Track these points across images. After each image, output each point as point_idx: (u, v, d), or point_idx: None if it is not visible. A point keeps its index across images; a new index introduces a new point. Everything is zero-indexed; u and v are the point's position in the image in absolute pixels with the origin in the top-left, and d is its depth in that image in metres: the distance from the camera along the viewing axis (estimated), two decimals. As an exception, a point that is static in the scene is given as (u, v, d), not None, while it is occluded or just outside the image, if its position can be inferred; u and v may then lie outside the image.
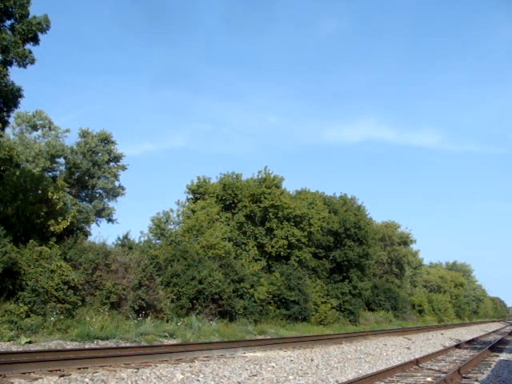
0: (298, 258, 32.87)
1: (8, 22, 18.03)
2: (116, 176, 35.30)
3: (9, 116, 19.12)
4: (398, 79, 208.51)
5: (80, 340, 14.76)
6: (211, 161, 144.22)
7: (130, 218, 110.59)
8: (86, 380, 9.09)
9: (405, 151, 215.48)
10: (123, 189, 36.03)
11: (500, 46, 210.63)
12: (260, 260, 31.11)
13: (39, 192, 19.51)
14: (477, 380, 11.78)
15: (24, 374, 9.20)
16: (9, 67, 17.82)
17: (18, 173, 19.85)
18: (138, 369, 10.71)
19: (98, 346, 14.43)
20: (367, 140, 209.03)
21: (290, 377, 11.17)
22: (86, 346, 14.10)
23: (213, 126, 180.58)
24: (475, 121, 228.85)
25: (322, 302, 34.02)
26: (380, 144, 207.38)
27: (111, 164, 35.36)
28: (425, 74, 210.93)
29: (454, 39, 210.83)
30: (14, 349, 12.55)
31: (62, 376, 9.29)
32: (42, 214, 18.78)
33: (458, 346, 22.88)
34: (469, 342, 26.91)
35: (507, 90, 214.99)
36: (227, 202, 33.12)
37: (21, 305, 15.32)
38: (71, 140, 41.10)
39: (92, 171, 33.60)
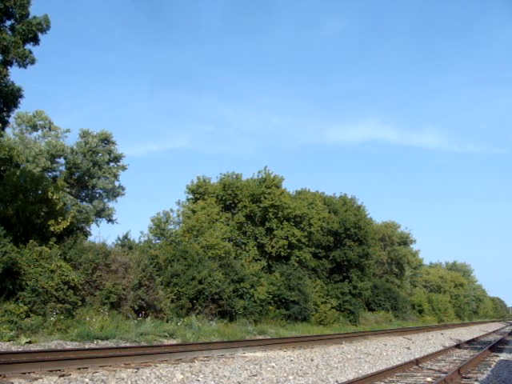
0: (298, 258, 32.87)
1: (8, 22, 18.09)
2: (116, 176, 35.27)
3: (9, 116, 19.16)
4: (400, 80, 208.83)
5: (80, 340, 14.76)
6: (213, 161, 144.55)
7: (130, 218, 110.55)
8: (86, 380, 9.09)
9: (406, 151, 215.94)
10: (123, 189, 36.03)
11: (502, 47, 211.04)
12: (260, 260, 31.11)
13: (39, 192, 19.51)
14: (477, 380, 11.77)
15: (24, 374, 9.20)
16: (9, 67, 17.85)
17: (18, 173, 19.85)
18: (137, 369, 10.71)
19: (97, 346, 14.42)
20: (369, 140, 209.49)
21: (290, 377, 11.17)
22: (86, 346, 14.10)
23: (215, 127, 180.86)
24: (476, 121, 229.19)
25: (321, 302, 34.00)
26: (382, 144, 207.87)
27: (111, 164, 35.34)
28: (427, 74, 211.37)
29: (456, 40, 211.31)
30: (14, 349, 12.54)
31: (62, 376, 9.30)
32: (42, 214, 18.79)
33: (457, 346, 22.87)
34: (469, 341, 26.90)
35: (509, 90, 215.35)
36: (227, 202, 33.14)
37: (21, 305, 15.31)
38: (71, 140, 40.98)
39: (92, 171, 33.57)
